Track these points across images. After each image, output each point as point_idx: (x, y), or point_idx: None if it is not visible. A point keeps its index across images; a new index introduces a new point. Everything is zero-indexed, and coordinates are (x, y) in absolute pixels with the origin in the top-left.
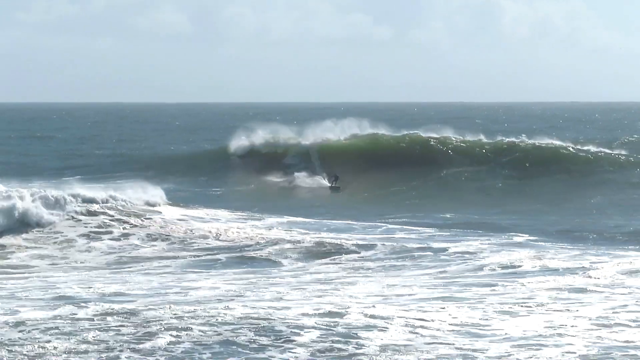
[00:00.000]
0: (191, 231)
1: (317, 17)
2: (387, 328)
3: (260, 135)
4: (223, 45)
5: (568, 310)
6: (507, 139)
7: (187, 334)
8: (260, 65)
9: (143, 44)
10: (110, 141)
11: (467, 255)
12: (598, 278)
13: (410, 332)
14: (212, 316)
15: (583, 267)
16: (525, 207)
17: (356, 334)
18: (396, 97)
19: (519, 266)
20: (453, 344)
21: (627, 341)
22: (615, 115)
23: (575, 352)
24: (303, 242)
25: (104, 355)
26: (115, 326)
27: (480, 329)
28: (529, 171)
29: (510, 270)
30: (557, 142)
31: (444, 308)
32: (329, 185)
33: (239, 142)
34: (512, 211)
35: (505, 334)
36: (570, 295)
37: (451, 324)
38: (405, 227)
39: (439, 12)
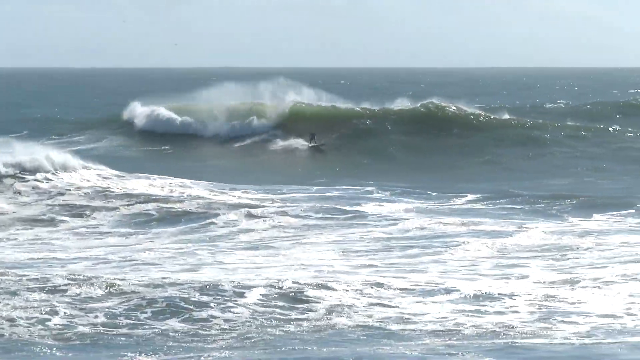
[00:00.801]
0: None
1: None
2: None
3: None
4: (189, 12)
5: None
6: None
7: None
8: (218, 29)
9: (105, 8)
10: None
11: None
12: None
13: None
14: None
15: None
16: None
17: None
18: (353, 62)
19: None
20: (397, 307)
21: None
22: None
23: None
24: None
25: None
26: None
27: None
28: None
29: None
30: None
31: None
32: (308, 144)
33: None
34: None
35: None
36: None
37: (398, 288)
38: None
39: None
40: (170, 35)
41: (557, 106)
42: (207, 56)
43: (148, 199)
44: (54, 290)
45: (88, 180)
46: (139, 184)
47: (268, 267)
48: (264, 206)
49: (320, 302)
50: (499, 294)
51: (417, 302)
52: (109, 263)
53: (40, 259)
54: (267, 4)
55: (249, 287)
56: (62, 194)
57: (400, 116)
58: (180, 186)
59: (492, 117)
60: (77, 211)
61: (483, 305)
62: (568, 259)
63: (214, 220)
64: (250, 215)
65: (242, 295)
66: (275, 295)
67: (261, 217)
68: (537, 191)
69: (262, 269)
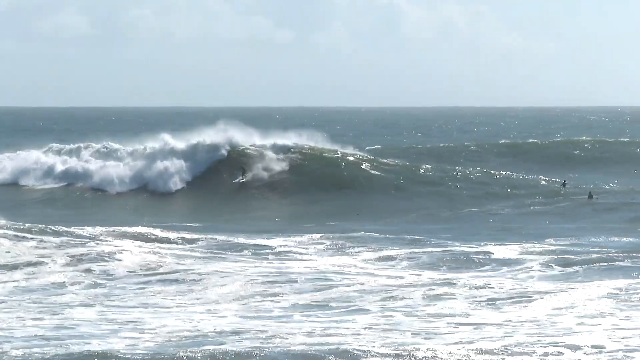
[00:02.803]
0: None
1: (219, 20)
2: None
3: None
4: (126, 49)
5: None
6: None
7: None
8: (164, 68)
9: (45, 47)
10: None
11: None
12: None
13: None
14: None
15: None
16: None
17: None
18: (298, 101)
19: None
20: None
21: None
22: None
23: None
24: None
25: None
26: None
27: None
28: None
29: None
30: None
31: None
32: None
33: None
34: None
35: None
36: None
37: None
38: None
39: (340, 15)
40: (121, 75)
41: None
42: (157, 95)
43: None
44: None
45: None
46: None
47: None
48: None
49: None
50: None
51: None
52: None
53: None
54: (212, 43)
55: None
56: None
57: None
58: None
59: None
60: None
61: None
62: None
63: None
64: None
65: None
66: None
67: None
68: None
69: None
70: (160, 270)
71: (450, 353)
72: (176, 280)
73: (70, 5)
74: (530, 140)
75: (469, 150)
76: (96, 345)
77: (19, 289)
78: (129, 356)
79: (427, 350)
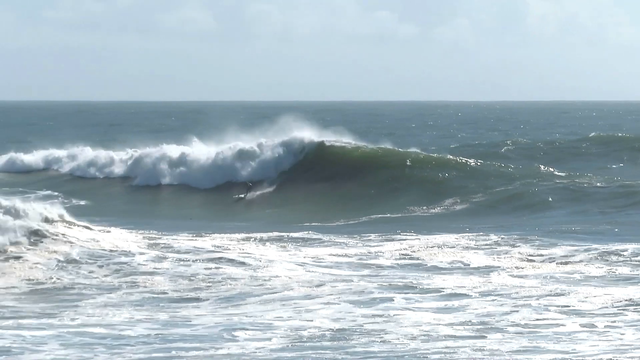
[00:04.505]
0: None
1: (343, 15)
2: None
3: None
4: (249, 43)
5: None
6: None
7: None
8: (286, 63)
9: (169, 41)
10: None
11: None
12: None
13: None
14: None
15: None
16: None
17: None
18: (421, 95)
19: None
20: None
21: None
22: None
23: None
24: None
25: None
26: None
27: None
28: None
29: None
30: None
31: None
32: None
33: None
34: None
35: None
36: None
37: None
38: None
39: (464, 9)
40: (243, 70)
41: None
42: (278, 89)
43: None
44: None
45: None
46: None
47: None
48: None
49: None
50: None
51: None
52: None
53: None
54: (335, 38)
55: None
56: None
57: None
58: None
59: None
60: None
61: None
62: None
63: None
64: None
65: None
66: None
67: None
68: None
69: None
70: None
71: None
72: None
73: (192, 0)
74: None
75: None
76: None
77: None
78: None
79: None
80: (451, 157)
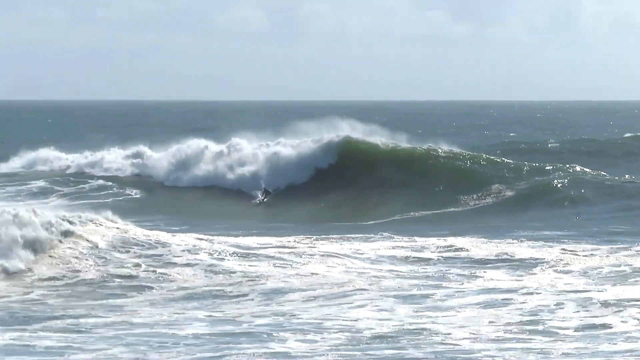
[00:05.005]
0: None
1: (396, 14)
2: None
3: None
4: (301, 43)
5: None
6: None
7: None
8: (338, 62)
9: (221, 40)
10: None
11: None
12: None
13: None
14: None
15: None
16: None
17: None
18: (474, 95)
19: None
20: None
21: None
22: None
23: None
24: None
25: None
26: None
27: None
28: None
29: None
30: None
31: None
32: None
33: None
34: None
35: None
36: None
37: None
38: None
39: (517, 9)
40: (296, 69)
41: None
42: (332, 89)
43: None
44: None
45: None
46: None
47: None
48: None
49: None
50: None
51: None
52: None
53: None
54: (387, 37)
55: None
56: None
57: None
58: None
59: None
60: None
61: None
62: None
63: None
64: None
65: None
66: None
67: None
68: None
69: None
70: None
71: None
72: None
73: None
74: None
75: None
76: None
77: None
78: None
79: None
80: (493, 157)
